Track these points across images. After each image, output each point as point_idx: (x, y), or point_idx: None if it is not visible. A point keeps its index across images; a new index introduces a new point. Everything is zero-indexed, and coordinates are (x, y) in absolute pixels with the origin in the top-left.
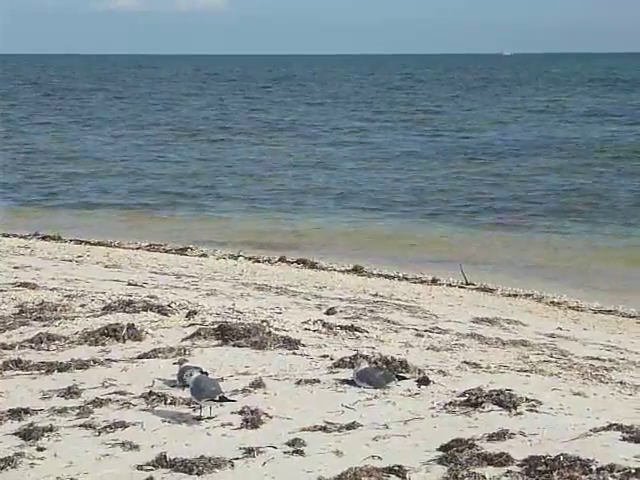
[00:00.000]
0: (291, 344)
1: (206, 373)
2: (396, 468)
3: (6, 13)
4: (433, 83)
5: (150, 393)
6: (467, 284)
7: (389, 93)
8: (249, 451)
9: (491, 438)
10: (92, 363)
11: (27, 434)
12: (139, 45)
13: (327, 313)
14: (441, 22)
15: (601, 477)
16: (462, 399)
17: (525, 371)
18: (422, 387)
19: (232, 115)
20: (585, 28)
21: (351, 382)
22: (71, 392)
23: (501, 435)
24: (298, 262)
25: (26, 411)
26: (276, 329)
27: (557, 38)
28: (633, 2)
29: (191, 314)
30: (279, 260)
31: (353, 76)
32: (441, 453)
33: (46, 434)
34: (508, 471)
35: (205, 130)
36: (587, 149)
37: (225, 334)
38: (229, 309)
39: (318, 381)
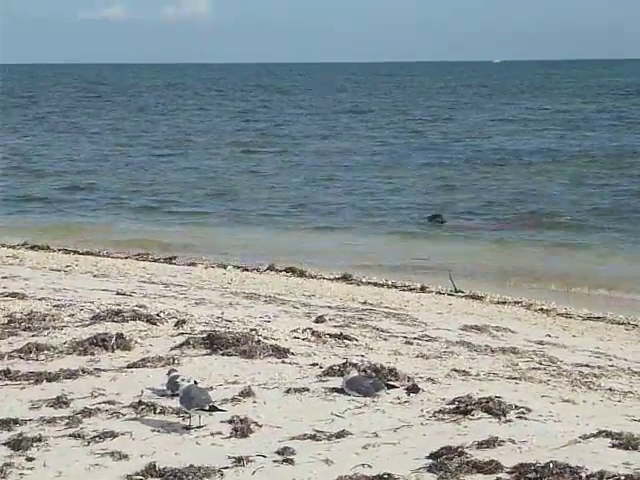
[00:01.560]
0: (280, 353)
1: (195, 382)
2: (386, 476)
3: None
4: (431, 92)
5: (139, 402)
6: (456, 292)
7: (387, 101)
8: (238, 460)
9: (480, 446)
10: (81, 373)
11: (16, 444)
12: (129, 54)
13: (316, 321)
14: (428, 29)
15: None
16: (451, 407)
17: (514, 378)
18: (411, 395)
19: (220, 125)
20: (573, 35)
21: (340, 390)
22: (60, 402)
23: (490, 442)
24: (287, 270)
25: (15, 421)
26: (265, 338)
27: (545, 45)
28: (626, 8)
29: (180, 323)
30: (268, 268)
31: (348, 84)
32: (431, 461)
33: (35, 444)
34: (498, 478)
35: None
36: (577, 158)
37: (214, 343)
38: (218, 318)
39: (307, 390)
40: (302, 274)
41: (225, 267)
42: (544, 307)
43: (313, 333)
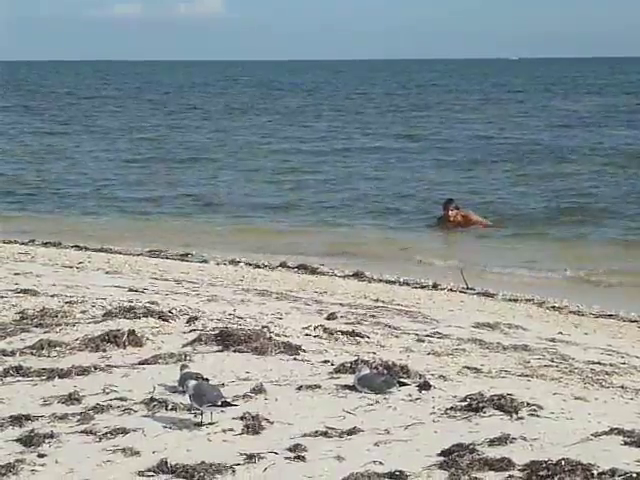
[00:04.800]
0: (292, 349)
1: (207, 379)
2: (397, 473)
3: (5, 19)
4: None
5: (151, 399)
6: (468, 289)
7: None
8: (250, 457)
9: (492, 443)
10: (93, 369)
11: (28, 440)
12: (139, 51)
13: (328, 318)
14: (440, 27)
15: None
16: (463, 404)
17: (526, 376)
18: (423, 392)
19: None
20: (587, 33)
21: (352, 387)
22: (72, 398)
23: (502, 440)
24: (299, 267)
25: (27, 417)
26: (277, 335)
27: (558, 43)
28: (631, 8)
29: (192, 320)
30: (279, 266)
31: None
32: (442, 458)
33: (47, 440)
34: (509, 476)
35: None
36: (589, 154)
37: (226, 340)
38: (230, 315)
39: (319, 386)
40: (314, 271)
41: (237, 264)
42: (556, 304)
43: (325, 330)
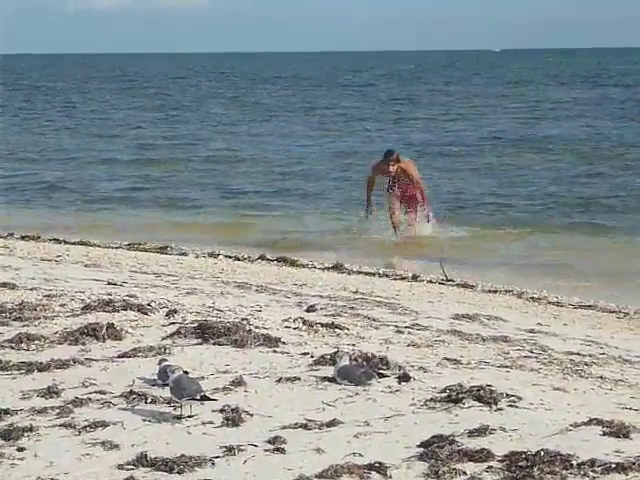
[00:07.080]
0: (271, 342)
1: (186, 372)
2: (377, 465)
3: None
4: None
5: (130, 392)
6: (447, 280)
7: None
8: (230, 449)
9: (472, 434)
10: (72, 363)
11: (7, 434)
12: (123, 44)
13: (307, 310)
14: (423, 18)
15: (582, 472)
16: (442, 395)
17: (505, 367)
18: (403, 384)
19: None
20: (568, 24)
21: (332, 379)
22: (51, 392)
23: (482, 431)
24: (278, 260)
25: (6, 411)
26: (256, 327)
27: (541, 34)
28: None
29: (171, 313)
30: (259, 258)
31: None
32: (422, 449)
33: (26, 434)
34: (489, 467)
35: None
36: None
37: (205, 333)
38: (209, 307)
39: (298, 379)
40: (293, 263)
41: (216, 256)
42: (535, 295)
43: (304, 322)
